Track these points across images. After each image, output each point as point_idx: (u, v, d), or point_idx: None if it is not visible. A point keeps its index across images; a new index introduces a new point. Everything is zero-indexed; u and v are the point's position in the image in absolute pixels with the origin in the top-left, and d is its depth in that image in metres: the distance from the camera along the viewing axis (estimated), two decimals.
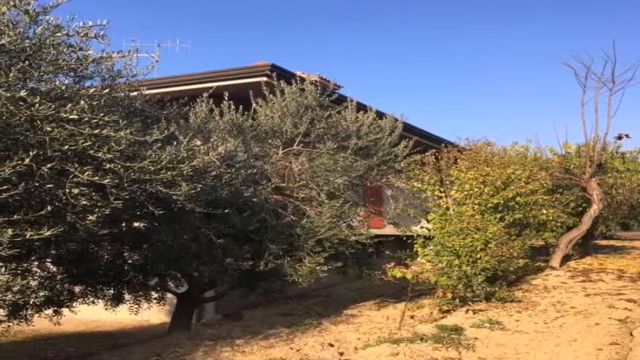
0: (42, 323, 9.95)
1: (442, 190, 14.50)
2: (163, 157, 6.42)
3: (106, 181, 5.94)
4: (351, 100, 12.51)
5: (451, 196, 14.02)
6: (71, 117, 5.54)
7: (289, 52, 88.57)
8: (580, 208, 18.65)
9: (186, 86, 14.15)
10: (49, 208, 5.54)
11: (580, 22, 79.29)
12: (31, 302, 8.73)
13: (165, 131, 7.06)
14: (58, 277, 9.20)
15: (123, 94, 8.17)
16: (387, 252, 14.39)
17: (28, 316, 9.15)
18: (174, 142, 6.80)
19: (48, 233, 5.45)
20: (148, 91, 9.67)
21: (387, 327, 10.41)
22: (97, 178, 5.88)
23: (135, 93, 8.77)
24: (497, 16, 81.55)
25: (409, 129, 15.78)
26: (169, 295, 11.60)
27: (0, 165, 5.14)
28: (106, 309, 10.47)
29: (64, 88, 5.93)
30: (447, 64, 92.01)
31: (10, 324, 8.78)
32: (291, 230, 9.89)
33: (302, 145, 11.73)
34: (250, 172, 9.60)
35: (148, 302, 10.88)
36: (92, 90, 6.28)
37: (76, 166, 5.88)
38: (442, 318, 10.73)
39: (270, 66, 13.26)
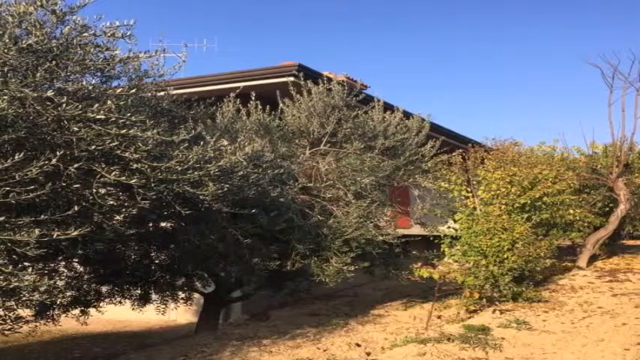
0: (69, 323, 10.02)
1: (469, 190, 14.44)
2: (190, 157, 6.41)
3: (133, 181, 5.95)
4: (378, 100, 12.51)
5: (478, 196, 13.94)
6: (98, 117, 5.54)
7: (316, 52, 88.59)
8: (607, 208, 18.46)
9: (213, 86, 14.21)
10: (76, 208, 5.55)
11: (607, 22, 78.65)
12: (58, 302, 8.71)
13: (193, 131, 7.05)
14: (85, 277, 9.23)
15: (150, 94, 8.17)
16: (414, 252, 14.34)
17: (55, 316, 9.20)
18: (202, 142, 6.79)
19: (75, 233, 5.45)
20: (175, 91, 9.69)
21: (414, 327, 10.36)
22: (124, 178, 5.88)
23: (162, 93, 8.78)
24: (525, 16, 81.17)
25: (436, 129, 15.72)
26: (196, 295, 11.63)
27: (27, 165, 5.16)
28: (133, 309, 10.49)
29: (91, 88, 5.95)
30: (473, 64, 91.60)
31: (37, 324, 8.81)
32: (318, 230, 9.86)
33: (329, 145, 11.73)
34: (277, 172, 9.60)
35: (175, 302, 10.88)
36: (119, 90, 6.27)
37: (103, 166, 5.89)
38: (469, 318, 10.69)
39: (297, 66, 13.27)
